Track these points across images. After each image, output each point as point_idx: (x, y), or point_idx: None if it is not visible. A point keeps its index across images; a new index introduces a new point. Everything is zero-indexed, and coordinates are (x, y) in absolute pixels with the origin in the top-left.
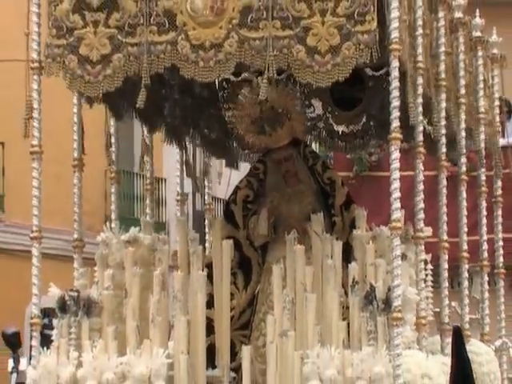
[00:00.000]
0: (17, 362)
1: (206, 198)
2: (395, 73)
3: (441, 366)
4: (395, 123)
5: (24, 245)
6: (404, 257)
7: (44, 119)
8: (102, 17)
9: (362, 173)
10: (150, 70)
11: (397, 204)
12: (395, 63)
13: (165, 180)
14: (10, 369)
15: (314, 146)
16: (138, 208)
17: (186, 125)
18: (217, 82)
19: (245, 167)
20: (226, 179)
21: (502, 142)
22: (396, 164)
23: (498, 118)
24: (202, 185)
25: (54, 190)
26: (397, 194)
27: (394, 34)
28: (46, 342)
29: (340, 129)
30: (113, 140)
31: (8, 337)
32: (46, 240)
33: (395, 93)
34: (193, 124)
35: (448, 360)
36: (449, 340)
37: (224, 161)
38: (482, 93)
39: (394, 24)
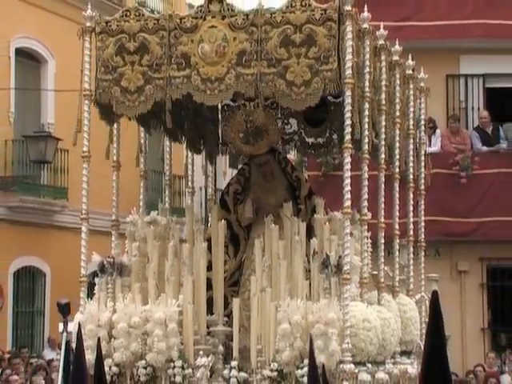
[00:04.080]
0: (66, 325)
1: (210, 190)
2: (348, 100)
3: (377, 313)
4: (347, 136)
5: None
6: (351, 234)
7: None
8: (136, 58)
9: (328, 172)
10: (172, 97)
11: (347, 195)
12: (348, 92)
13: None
14: (60, 330)
15: (292, 153)
16: (164, 198)
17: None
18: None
19: None
20: (229, 176)
21: (428, 149)
22: (348, 166)
23: (423, 133)
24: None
25: (105, 184)
26: (347, 188)
27: (348, 71)
28: None
29: (310, 140)
30: (143, 147)
31: (61, 306)
32: (99, 221)
33: (348, 114)
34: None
35: (382, 309)
36: (384, 294)
37: (228, 162)
38: (411, 115)
39: (348, 64)
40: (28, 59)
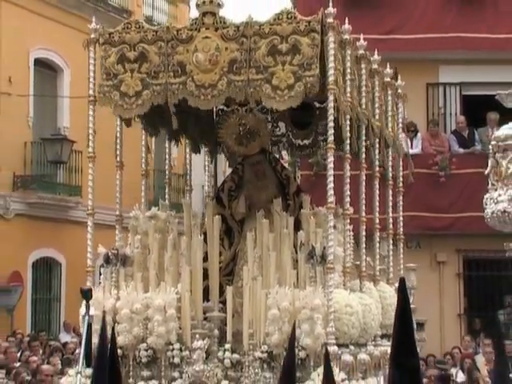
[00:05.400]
0: (88, 309)
1: (206, 188)
2: (331, 104)
3: (359, 299)
4: (331, 138)
5: (95, 219)
6: (335, 227)
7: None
8: (136, 66)
9: (319, 172)
10: (168, 102)
11: (331, 191)
12: (331, 98)
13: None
14: (82, 314)
15: (284, 154)
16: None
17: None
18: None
19: None
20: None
21: (410, 151)
22: (331, 165)
23: (402, 135)
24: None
25: (113, 183)
26: (331, 185)
27: (331, 78)
28: None
29: (297, 142)
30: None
31: (84, 292)
32: (107, 216)
33: (331, 117)
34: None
35: (364, 295)
36: (365, 282)
37: (227, 162)
38: (390, 119)
39: (331, 71)
40: (45, 68)
